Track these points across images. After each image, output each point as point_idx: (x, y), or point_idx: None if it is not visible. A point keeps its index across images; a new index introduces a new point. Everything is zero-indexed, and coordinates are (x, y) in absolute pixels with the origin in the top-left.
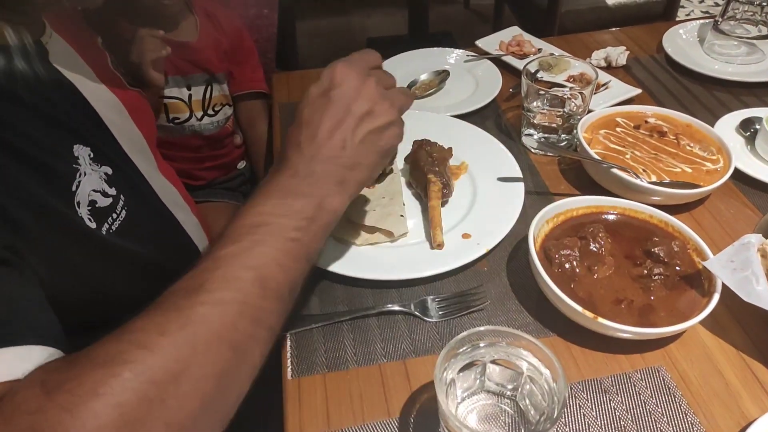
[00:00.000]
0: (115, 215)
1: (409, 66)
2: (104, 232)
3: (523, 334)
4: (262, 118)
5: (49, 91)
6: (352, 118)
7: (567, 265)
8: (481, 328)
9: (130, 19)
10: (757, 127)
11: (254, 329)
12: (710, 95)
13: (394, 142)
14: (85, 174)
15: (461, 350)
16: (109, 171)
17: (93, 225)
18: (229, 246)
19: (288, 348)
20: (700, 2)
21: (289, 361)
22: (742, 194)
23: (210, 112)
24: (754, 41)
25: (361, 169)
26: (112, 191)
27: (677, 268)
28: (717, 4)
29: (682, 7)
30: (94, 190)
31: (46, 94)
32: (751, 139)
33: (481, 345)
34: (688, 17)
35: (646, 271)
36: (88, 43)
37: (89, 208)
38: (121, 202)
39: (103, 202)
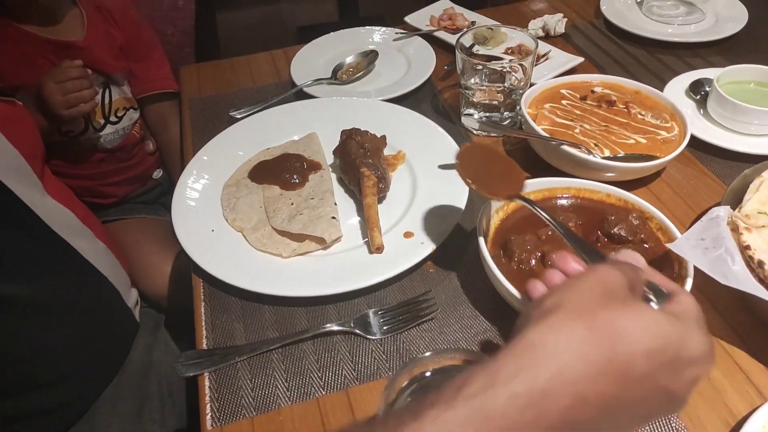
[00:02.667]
0: None
1: (334, 49)
2: None
3: (476, 351)
4: (175, 119)
5: None
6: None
7: (524, 265)
8: (426, 354)
9: None
10: (708, 89)
11: None
12: (654, 59)
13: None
14: None
15: (405, 385)
16: None
17: None
18: None
19: (207, 390)
20: None
21: (208, 406)
22: (699, 162)
23: (113, 118)
24: (692, 0)
25: None
26: None
27: (645, 245)
28: None
29: None
30: None
31: None
32: (702, 102)
33: (427, 374)
34: None
35: (612, 253)
36: None
37: None
38: None
39: None
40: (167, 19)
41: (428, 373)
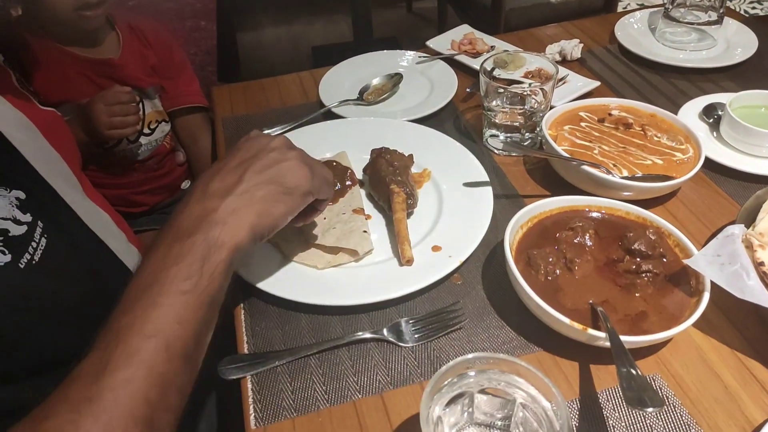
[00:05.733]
0: (34, 244)
1: (359, 71)
2: (23, 265)
3: (515, 360)
4: (205, 132)
5: None
6: (254, 159)
7: (551, 276)
8: (469, 356)
9: (44, 36)
10: (721, 113)
11: (164, 397)
12: (668, 83)
13: (297, 180)
14: None
15: (447, 382)
16: (22, 195)
17: (7, 258)
18: (125, 316)
19: (249, 392)
20: None
21: (251, 407)
22: (713, 183)
23: (146, 130)
24: (704, 27)
25: (257, 200)
26: (27, 218)
27: (664, 259)
28: None
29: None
30: (3, 218)
31: None
32: (715, 126)
33: (470, 374)
34: (626, 10)
35: (634, 267)
36: None
37: (0, 238)
38: (39, 229)
39: (17, 230)
40: (190, 39)
41: (472, 373)
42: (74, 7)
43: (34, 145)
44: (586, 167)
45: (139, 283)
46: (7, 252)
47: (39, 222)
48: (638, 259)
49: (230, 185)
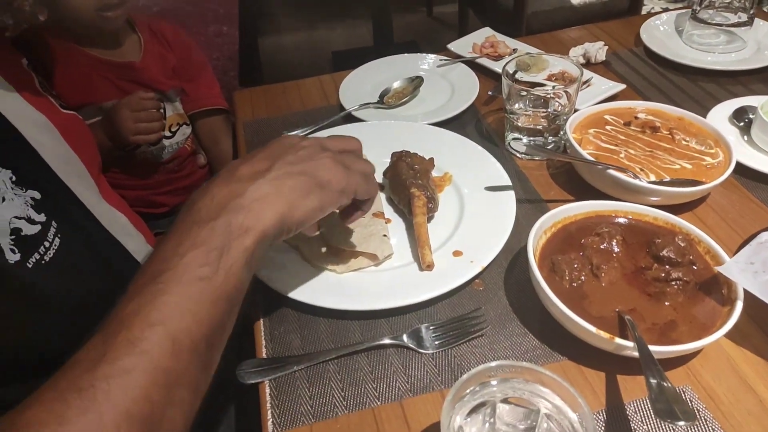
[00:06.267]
0: (47, 244)
1: (380, 75)
2: (31, 265)
3: (539, 368)
4: (225, 134)
5: None
6: (284, 153)
7: (576, 283)
8: (492, 364)
9: (67, 39)
10: (752, 116)
11: (170, 394)
12: (696, 86)
13: (331, 175)
14: (3, 200)
15: (468, 391)
16: (37, 195)
17: (16, 256)
18: (131, 302)
19: (267, 397)
20: None
21: (269, 412)
22: (743, 188)
23: (167, 133)
24: (733, 29)
25: (288, 189)
26: (41, 217)
27: (693, 267)
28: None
29: (644, 5)
30: (16, 217)
31: None
32: (746, 129)
33: (493, 383)
34: (651, 13)
35: (663, 274)
36: (11, 64)
37: (12, 237)
38: (52, 229)
39: (30, 229)
40: (213, 44)
41: (494, 382)
42: (95, 7)
43: (53, 146)
44: (612, 171)
45: (150, 269)
46: (17, 251)
47: (53, 222)
48: (667, 267)
49: (259, 171)
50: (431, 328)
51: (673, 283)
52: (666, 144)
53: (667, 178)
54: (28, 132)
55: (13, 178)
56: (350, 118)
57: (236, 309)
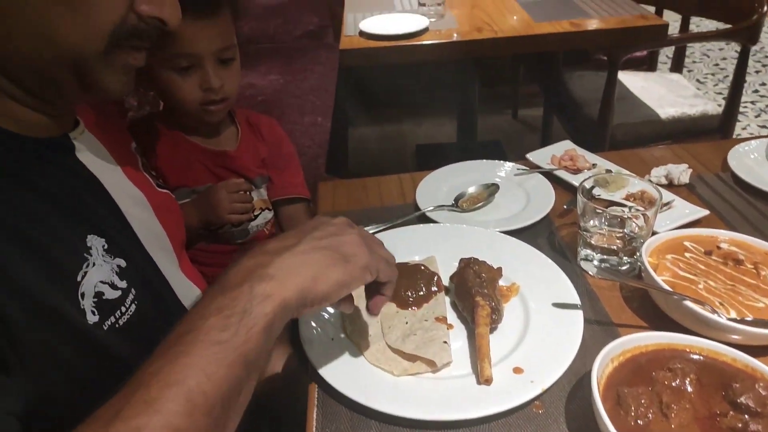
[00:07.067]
0: (123, 308)
1: (457, 178)
2: (106, 327)
3: None
4: (305, 221)
5: (69, 181)
6: (312, 230)
7: (642, 421)
8: None
9: (173, 126)
10: None
11: None
12: None
13: (354, 250)
14: (94, 265)
15: None
16: (123, 263)
17: (95, 318)
18: (153, 363)
19: None
20: (756, 117)
21: None
22: None
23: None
24: None
25: (313, 262)
26: (122, 284)
27: None
28: None
29: (738, 121)
30: (101, 281)
31: (66, 184)
32: None
33: None
34: (739, 138)
35: (740, 425)
36: (121, 144)
37: (95, 300)
38: (131, 296)
39: (111, 294)
40: (306, 133)
41: None
42: (201, 102)
43: (145, 220)
44: (688, 303)
45: (176, 333)
46: (96, 313)
47: (132, 289)
48: (746, 416)
49: (287, 246)
50: None
51: None
52: (750, 279)
53: (750, 317)
54: (125, 205)
55: (105, 246)
56: (424, 219)
57: (254, 375)
